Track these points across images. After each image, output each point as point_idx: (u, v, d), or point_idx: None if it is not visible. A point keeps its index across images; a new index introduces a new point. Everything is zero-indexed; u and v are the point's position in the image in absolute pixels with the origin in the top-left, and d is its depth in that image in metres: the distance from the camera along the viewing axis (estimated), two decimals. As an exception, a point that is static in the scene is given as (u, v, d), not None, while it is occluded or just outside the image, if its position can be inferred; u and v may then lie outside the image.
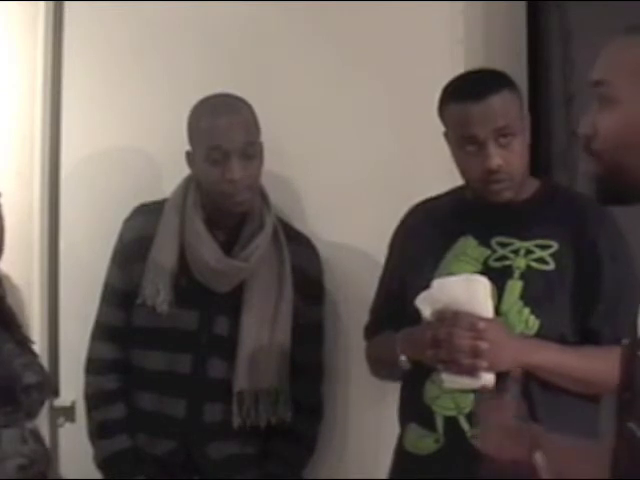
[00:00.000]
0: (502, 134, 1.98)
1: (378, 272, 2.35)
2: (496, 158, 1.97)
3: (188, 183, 2.37)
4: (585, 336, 2.02)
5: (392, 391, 2.41)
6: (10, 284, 2.50)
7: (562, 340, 1.99)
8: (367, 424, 2.50)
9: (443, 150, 2.13)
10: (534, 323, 1.99)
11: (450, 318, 1.91)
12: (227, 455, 2.33)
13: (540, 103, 2.30)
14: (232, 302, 2.32)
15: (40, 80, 2.69)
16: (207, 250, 2.29)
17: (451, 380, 1.93)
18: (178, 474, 2.34)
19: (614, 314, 2.00)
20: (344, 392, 2.52)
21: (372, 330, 2.28)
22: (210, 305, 2.33)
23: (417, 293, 2.00)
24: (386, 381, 2.31)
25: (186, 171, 2.36)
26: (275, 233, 2.37)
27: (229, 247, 2.32)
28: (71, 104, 2.72)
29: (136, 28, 2.67)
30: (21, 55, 2.70)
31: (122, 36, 2.68)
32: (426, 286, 1.99)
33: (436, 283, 1.97)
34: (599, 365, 1.96)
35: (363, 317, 2.42)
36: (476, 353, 1.88)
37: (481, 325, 1.89)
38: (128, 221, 2.42)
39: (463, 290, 1.93)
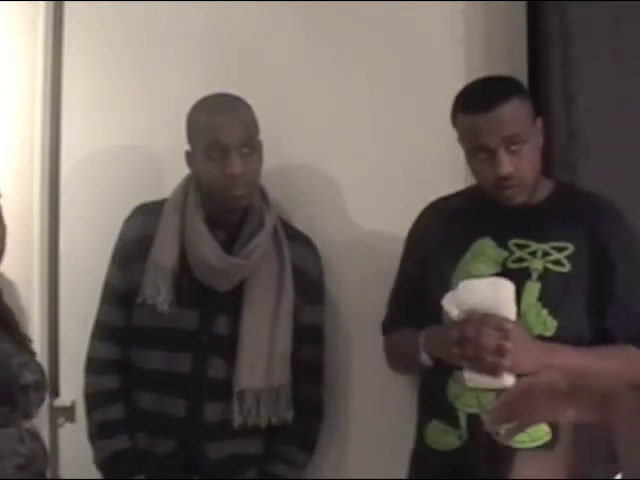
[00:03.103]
0: (512, 142, 2.02)
1: (378, 271, 2.35)
2: (506, 165, 2.02)
3: (188, 183, 2.37)
4: (600, 335, 2.05)
5: (393, 391, 2.41)
6: (10, 284, 2.50)
7: (579, 340, 2.03)
8: (368, 424, 2.50)
9: (443, 150, 2.13)
10: (552, 324, 2.02)
11: (478, 318, 1.95)
12: (227, 455, 2.33)
13: (540, 103, 2.30)
14: (232, 301, 2.32)
15: (40, 80, 2.68)
16: (208, 249, 2.29)
17: (473, 379, 1.97)
18: (178, 474, 2.33)
19: (628, 313, 2.04)
20: (345, 392, 2.51)
21: (389, 325, 2.31)
22: (210, 305, 2.33)
23: (437, 291, 2.06)
24: (405, 375, 2.34)
25: (186, 170, 2.36)
26: (275, 232, 2.37)
27: (229, 246, 2.32)
28: (71, 104, 2.71)
29: (136, 28, 2.67)
30: (21, 55, 2.69)
31: (122, 36, 2.68)
32: (446, 285, 2.06)
33: (462, 285, 2.01)
34: (614, 364, 2.01)
35: (363, 316, 2.43)
36: (501, 352, 1.93)
37: (508, 326, 1.94)
38: (128, 221, 2.42)
39: (489, 292, 1.98)
